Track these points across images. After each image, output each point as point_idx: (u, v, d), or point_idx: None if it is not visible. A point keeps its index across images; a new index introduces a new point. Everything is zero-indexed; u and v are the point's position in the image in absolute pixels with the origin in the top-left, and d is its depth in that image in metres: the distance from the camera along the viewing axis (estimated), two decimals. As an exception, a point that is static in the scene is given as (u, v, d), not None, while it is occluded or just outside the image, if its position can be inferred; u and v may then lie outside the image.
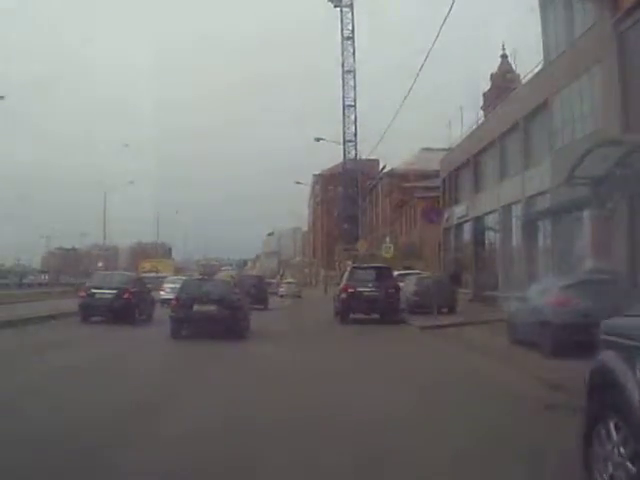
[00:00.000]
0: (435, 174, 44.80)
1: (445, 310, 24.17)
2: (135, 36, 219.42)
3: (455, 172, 38.28)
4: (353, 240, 53.15)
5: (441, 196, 41.31)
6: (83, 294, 21.37)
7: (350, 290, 22.76)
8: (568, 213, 21.57)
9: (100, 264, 71.91)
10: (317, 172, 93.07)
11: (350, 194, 61.19)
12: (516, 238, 28.27)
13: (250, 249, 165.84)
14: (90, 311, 21.02)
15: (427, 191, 47.65)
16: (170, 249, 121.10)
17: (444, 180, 40.72)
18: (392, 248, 36.27)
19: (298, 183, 67.59)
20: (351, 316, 22.89)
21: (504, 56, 52.23)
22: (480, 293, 32.44)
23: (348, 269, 25.09)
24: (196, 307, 16.27)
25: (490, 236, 32.59)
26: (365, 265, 28.01)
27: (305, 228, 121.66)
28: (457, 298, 26.09)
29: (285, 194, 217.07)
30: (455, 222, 37.82)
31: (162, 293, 29.37)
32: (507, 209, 29.37)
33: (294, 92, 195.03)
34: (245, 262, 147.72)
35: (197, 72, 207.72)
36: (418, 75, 36.92)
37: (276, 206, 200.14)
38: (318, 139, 47.43)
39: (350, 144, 59.18)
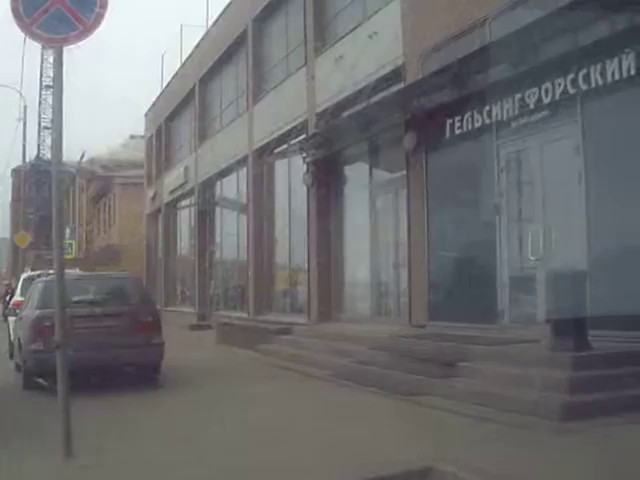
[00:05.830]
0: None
1: (131, 370, 8.40)
2: None
3: (167, 123, 23.73)
4: (49, 245, 38.31)
5: (145, 166, 26.64)
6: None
7: None
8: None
9: None
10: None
11: (46, 191, 48.41)
12: (298, 204, 14.43)
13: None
14: None
15: (132, 179, 34.72)
16: None
17: (150, 141, 25.94)
18: (74, 246, 29.41)
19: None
20: None
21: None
22: (207, 316, 18.26)
23: None
24: None
25: (228, 214, 18.26)
26: None
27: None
28: (162, 340, 8.68)
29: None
30: (166, 200, 23.16)
31: None
32: (257, 154, 15.65)
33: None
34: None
35: None
36: None
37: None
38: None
39: (47, 131, 47.25)
